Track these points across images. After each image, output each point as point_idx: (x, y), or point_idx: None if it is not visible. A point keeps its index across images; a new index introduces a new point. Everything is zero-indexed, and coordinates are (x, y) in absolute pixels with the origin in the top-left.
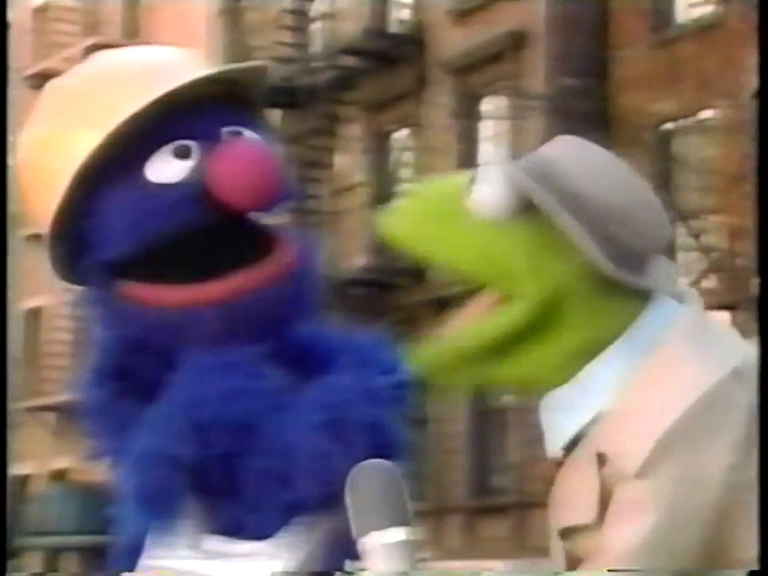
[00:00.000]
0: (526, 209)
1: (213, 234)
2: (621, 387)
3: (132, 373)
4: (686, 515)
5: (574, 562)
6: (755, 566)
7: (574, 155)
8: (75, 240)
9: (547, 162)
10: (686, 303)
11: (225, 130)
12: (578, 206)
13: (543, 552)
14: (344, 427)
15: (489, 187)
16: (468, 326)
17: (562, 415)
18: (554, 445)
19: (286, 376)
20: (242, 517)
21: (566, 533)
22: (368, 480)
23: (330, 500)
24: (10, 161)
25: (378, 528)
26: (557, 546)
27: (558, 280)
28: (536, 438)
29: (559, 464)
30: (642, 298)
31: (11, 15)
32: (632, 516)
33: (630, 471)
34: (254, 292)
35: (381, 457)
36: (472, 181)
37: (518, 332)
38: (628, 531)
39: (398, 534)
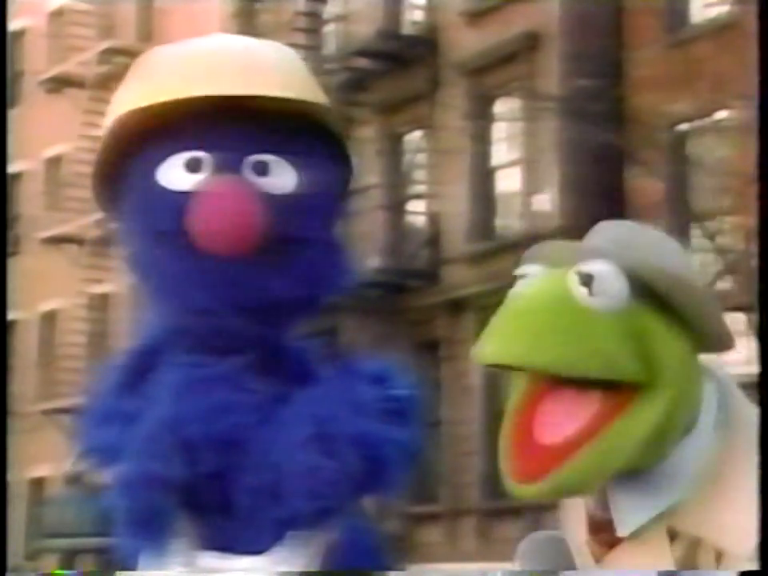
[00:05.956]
0: (635, 296)
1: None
2: (701, 475)
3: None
4: None
5: None
6: (755, 566)
7: (638, 239)
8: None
9: (628, 246)
10: (721, 378)
11: (249, 159)
12: (683, 287)
13: None
14: (333, 441)
15: (607, 280)
16: (606, 432)
17: (640, 498)
18: (626, 525)
19: (270, 386)
20: (235, 532)
21: None
22: (537, 552)
23: (322, 514)
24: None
25: None
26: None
27: (684, 365)
28: None
29: (617, 538)
30: (705, 379)
31: (27, 20)
32: None
33: (745, 554)
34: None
35: (372, 468)
36: (581, 277)
37: (667, 421)
38: None
39: None
